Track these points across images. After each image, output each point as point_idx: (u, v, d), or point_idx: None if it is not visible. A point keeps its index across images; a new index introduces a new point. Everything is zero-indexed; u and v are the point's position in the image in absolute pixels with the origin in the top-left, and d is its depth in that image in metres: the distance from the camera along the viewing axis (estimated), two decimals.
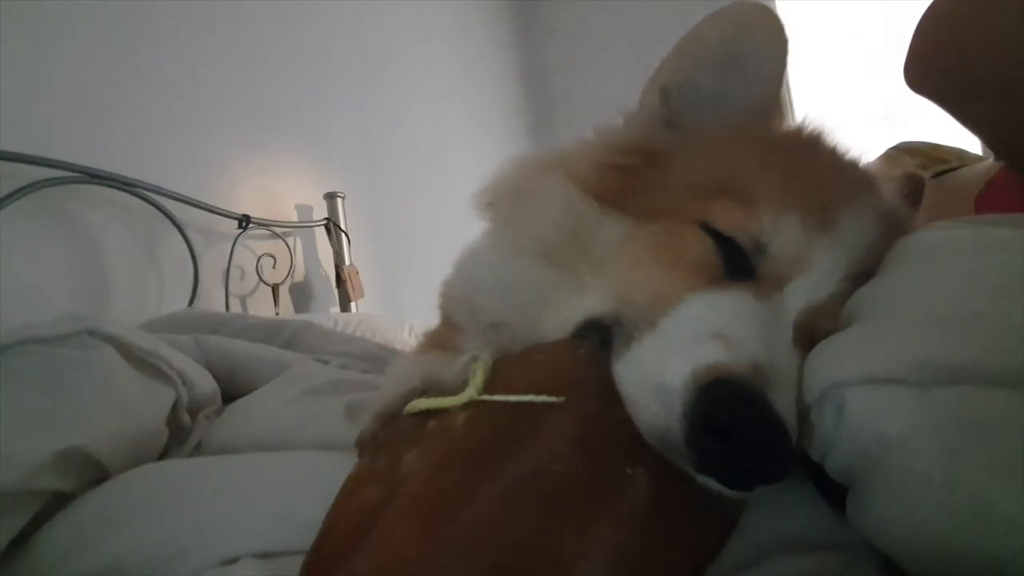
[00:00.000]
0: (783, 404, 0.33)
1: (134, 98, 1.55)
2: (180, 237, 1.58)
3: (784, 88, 0.52)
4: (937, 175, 1.00)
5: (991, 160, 0.90)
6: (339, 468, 0.40)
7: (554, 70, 3.65)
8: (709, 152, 0.49)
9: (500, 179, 0.56)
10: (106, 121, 1.48)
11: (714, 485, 0.33)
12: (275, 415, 0.59)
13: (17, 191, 1.21)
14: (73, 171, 1.32)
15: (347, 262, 2.07)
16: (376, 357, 1.02)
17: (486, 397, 0.36)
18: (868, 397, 0.33)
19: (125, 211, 1.49)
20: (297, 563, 0.36)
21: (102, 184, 1.40)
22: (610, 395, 0.36)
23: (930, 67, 0.70)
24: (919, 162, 1.04)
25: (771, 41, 0.49)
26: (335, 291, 2.09)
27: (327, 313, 1.89)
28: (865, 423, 0.33)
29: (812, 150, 0.50)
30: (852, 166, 0.51)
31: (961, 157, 1.03)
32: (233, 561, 0.36)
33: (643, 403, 0.35)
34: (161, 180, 1.52)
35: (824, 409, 0.36)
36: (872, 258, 0.44)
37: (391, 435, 0.38)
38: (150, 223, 1.54)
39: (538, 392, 0.35)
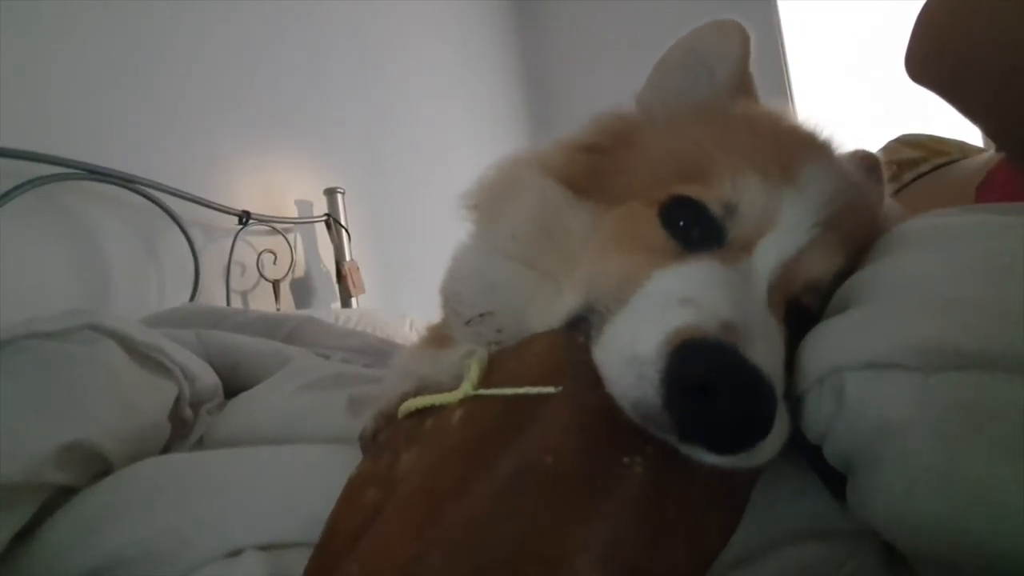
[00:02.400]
0: (759, 357, 0.32)
1: (134, 95, 1.55)
2: (180, 233, 1.58)
3: (748, 76, 0.55)
4: (938, 167, 1.00)
5: (992, 151, 0.90)
6: (341, 461, 0.40)
7: (554, 67, 3.65)
8: (672, 130, 0.50)
9: (483, 181, 0.56)
10: (106, 118, 1.48)
11: (701, 455, 0.32)
12: (277, 408, 0.59)
13: (18, 187, 1.21)
14: (74, 168, 1.32)
15: (347, 258, 2.07)
16: (377, 351, 1.02)
17: (482, 392, 0.36)
18: (868, 382, 0.33)
19: (126, 207, 1.49)
20: (299, 555, 0.36)
21: (103, 181, 1.40)
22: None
23: (931, 57, 0.70)
24: (920, 154, 1.04)
25: (726, 40, 0.54)
26: (336, 287, 2.09)
27: (328, 309, 1.89)
28: (865, 408, 0.33)
29: (770, 119, 0.52)
30: (810, 133, 0.52)
31: (962, 149, 1.03)
32: (236, 553, 0.36)
33: (618, 376, 0.34)
34: (161, 176, 1.52)
35: (823, 393, 0.36)
36: (838, 209, 0.43)
37: (393, 435, 0.38)
38: (150, 219, 1.54)
39: (534, 384, 0.34)
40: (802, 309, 0.41)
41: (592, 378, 0.35)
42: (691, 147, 0.48)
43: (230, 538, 0.37)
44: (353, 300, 2.04)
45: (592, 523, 0.29)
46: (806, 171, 0.45)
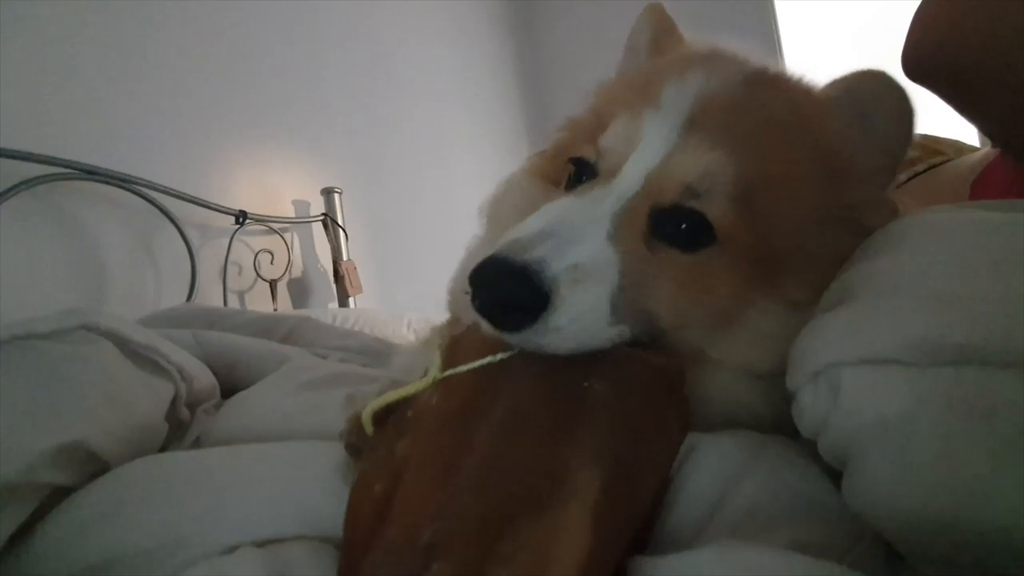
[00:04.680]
0: (541, 258, 0.37)
1: (131, 95, 1.55)
2: (177, 233, 1.58)
3: (663, 37, 0.61)
4: (934, 167, 1.00)
5: (987, 148, 0.90)
6: (337, 457, 0.40)
7: (552, 68, 3.65)
8: (592, 109, 0.56)
9: (492, 193, 0.63)
10: (103, 118, 1.48)
11: (503, 335, 0.38)
12: (275, 407, 0.59)
13: (13, 187, 1.21)
14: (70, 168, 1.32)
15: (345, 257, 2.07)
16: (375, 351, 1.02)
17: (448, 372, 0.40)
18: (864, 377, 0.34)
19: (122, 207, 1.48)
20: (297, 548, 0.36)
21: (99, 181, 1.40)
22: None
23: (928, 55, 0.70)
24: (915, 154, 1.04)
25: (643, 18, 0.61)
26: (333, 286, 2.09)
27: (325, 309, 1.89)
28: (861, 403, 0.33)
29: (663, 61, 0.57)
30: (701, 52, 0.54)
31: (957, 149, 1.03)
32: (232, 550, 0.36)
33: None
34: (158, 176, 1.51)
35: (818, 388, 0.36)
36: (707, 113, 0.45)
37: (380, 435, 0.40)
38: (147, 219, 1.54)
39: (493, 350, 0.39)
40: (686, 211, 0.43)
41: None
42: (591, 116, 0.54)
43: (226, 534, 0.37)
44: (350, 300, 2.04)
45: (577, 435, 0.35)
46: (668, 89, 0.46)
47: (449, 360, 0.41)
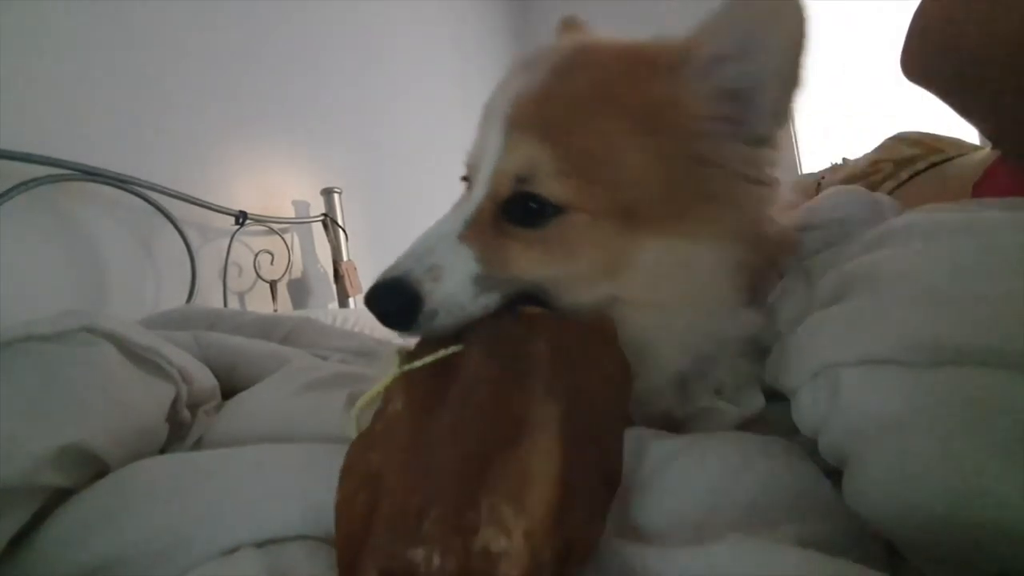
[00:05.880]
0: (410, 265, 0.49)
1: (130, 95, 1.55)
2: (177, 234, 1.58)
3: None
4: (934, 165, 1.00)
5: (988, 149, 0.90)
6: (338, 458, 0.40)
7: None
8: None
9: None
10: (102, 118, 1.48)
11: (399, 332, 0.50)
12: (277, 408, 0.59)
13: (13, 188, 1.21)
14: (69, 169, 1.32)
15: (345, 257, 2.07)
16: (374, 352, 1.02)
17: (406, 368, 0.45)
18: (864, 378, 0.34)
19: (122, 208, 1.48)
20: (299, 548, 0.37)
21: (98, 181, 1.40)
22: (489, 325, 0.49)
23: (927, 57, 0.70)
24: (917, 151, 1.04)
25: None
26: (333, 287, 2.09)
27: (325, 309, 1.89)
28: (861, 404, 0.33)
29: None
30: (530, 54, 0.57)
31: (958, 147, 1.03)
32: (233, 551, 0.36)
33: None
34: (158, 177, 1.51)
35: (817, 388, 0.37)
36: (523, 111, 0.51)
37: (354, 454, 0.42)
38: (147, 220, 1.54)
39: (447, 347, 0.46)
40: (523, 195, 0.49)
41: (484, 325, 0.49)
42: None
43: (228, 535, 0.37)
44: (351, 300, 2.04)
45: (526, 385, 0.40)
46: (494, 97, 0.54)
47: (408, 360, 0.47)
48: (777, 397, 0.46)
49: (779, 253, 0.56)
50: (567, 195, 0.48)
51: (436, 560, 0.31)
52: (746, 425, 0.49)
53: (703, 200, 0.49)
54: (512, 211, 0.50)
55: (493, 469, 0.34)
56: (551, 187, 0.48)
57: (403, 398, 0.43)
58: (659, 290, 0.49)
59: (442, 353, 0.44)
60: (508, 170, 0.50)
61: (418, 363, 0.44)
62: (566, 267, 0.49)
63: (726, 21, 0.49)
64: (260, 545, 0.37)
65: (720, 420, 0.49)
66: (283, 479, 0.41)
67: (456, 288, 0.48)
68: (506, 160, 0.50)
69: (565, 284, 0.50)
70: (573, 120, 0.49)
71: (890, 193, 0.91)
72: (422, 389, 0.43)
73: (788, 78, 0.48)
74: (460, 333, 0.48)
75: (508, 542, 0.31)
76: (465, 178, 0.58)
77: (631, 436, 0.41)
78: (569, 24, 0.72)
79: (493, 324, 0.48)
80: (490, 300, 0.49)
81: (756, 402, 0.52)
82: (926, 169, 0.99)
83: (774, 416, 0.49)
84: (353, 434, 0.42)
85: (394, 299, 0.48)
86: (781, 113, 0.50)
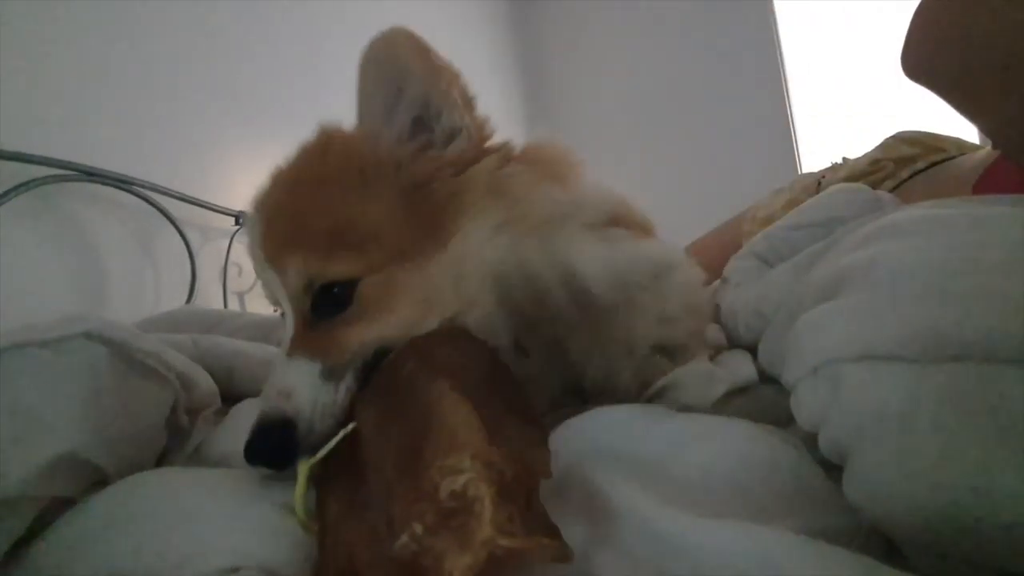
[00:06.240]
0: (270, 400, 0.50)
1: (130, 95, 1.55)
2: (177, 234, 1.58)
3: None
4: (935, 164, 1.00)
5: (988, 148, 0.89)
6: None
7: (551, 67, 3.65)
8: None
9: None
10: (102, 118, 1.48)
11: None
12: None
13: (13, 189, 1.21)
14: (69, 169, 1.32)
15: None
16: None
17: (314, 459, 0.45)
18: (865, 373, 0.34)
19: (121, 209, 1.48)
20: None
21: (98, 182, 1.40)
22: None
23: (927, 55, 0.70)
24: (917, 151, 1.04)
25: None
26: None
27: None
28: (862, 399, 0.33)
29: None
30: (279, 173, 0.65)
31: (959, 146, 1.03)
32: (234, 571, 0.36)
33: None
34: (157, 178, 1.51)
35: (818, 383, 0.37)
36: (266, 230, 0.58)
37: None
38: (147, 220, 1.54)
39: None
40: (325, 288, 0.54)
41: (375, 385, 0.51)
42: None
43: (229, 555, 0.36)
44: None
45: (417, 384, 0.44)
46: (249, 249, 0.62)
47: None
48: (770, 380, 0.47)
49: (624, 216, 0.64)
50: (348, 269, 0.53)
51: (419, 530, 0.31)
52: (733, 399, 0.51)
53: (447, 209, 0.56)
54: (321, 310, 0.54)
55: (427, 448, 0.36)
56: (333, 273, 0.53)
57: (334, 500, 0.41)
58: (475, 292, 0.55)
59: (339, 435, 0.45)
60: (296, 288, 0.54)
61: (321, 452, 0.45)
62: (390, 322, 0.54)
63: (363, 88, 0.59)
64: (263, 569, 0.36)
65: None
66: (282, 507, 0.41)
67: (313, 391, 0.50)
68: (288, 283, 0.55)
69: (400, 336, 0.54)
70: (309, 226, 0.55)
71: (890, 192, 0.91)
72: (342, 481, 0.43)
73: (434, 82, 0.57)
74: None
75: (467, 474, 0.32)
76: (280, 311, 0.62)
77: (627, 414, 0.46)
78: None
79: (362, 392, 0.51)
80: (350, 383, 0.52)
81: (747, 371, 0.53)
82: (926, 168, 0.99)
83: (768, 395, 0.51)
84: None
85: (267, 439, 0.47)
86: (454, 105, 0.57)
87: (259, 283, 1.81)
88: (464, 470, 0.32)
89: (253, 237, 0.59)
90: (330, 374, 0.51)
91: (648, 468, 0.40)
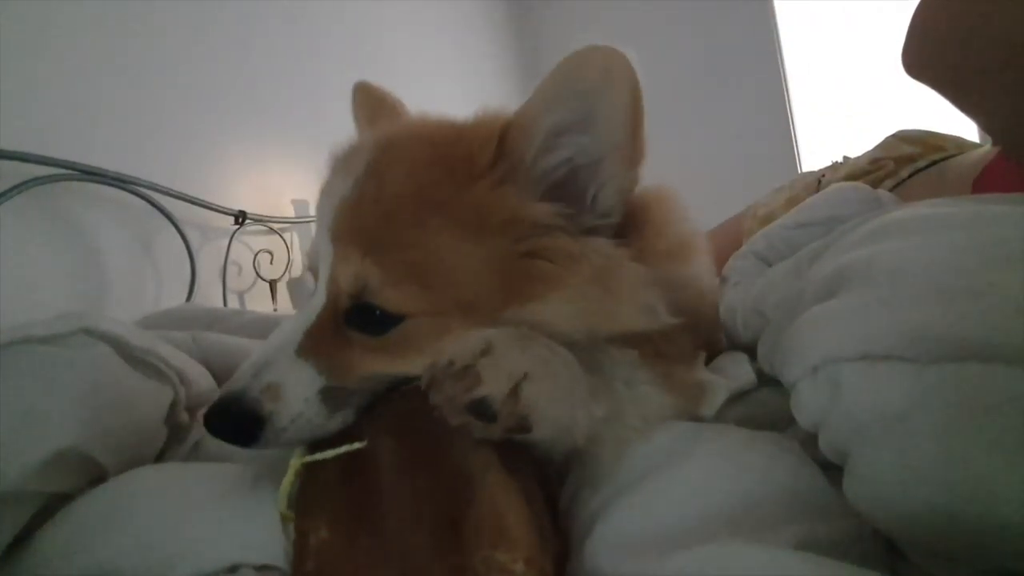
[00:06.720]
0: (247, 382, 0.46)
1: (129, 95, 1.55)
2: (177, 234, 1.58)
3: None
4: (935, 163, 0.99)
5: (988, 146, 0.89)
6: None
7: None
8: None
9: None
10: (101, 118, 1.48)
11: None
12: None
13: (13, 188, 1.21)
14: (69, 168, 1.32)
15: None
16: None
17: (307, 459, 0.44)
18: (865, 373, 0.34)
19: (121, 208, 1.48)
20: None
21: (98, 181, 1.40)
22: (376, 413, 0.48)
23: (928, 53, 0.70)
24: (917, 150, 1.04)
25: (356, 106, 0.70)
26: None
27: None
28: (862, 399, 0.33)
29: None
30: (355, 153, 0.56)
31: (959, 145, 1.03)
32: (234, 569, 0.35)
33: None
34: (157, 177, 1.51)
35: (818, 383, 0.36)
36: (341, 221, 0.50)
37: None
38: (147, 220, 1.54)
39: (345, 441, 0.44)
40: (367, 305, 0.48)
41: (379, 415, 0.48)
42: None
43: (228, 552, 0.36)
44: None
45: (457, 445, 0.40)
46: (320, 203, 0.54)
47: (309, 451, 0.45)
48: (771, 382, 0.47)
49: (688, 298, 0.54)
50: (404, 304, 0.47)
51: None
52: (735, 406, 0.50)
53: (542, 279, 0.48)
54: (353, 319, 0.49)
55: (466, 527, 0.34)
56: (385, 298, 0.47)
57: (324, 523, 0.39)
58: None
59: (344, 449, 0.43)
60: (341, 285, 0.49)
61: (319, 455, 0.43)
62: (415, 367, 0.47)
63: (555, 89, 0.46)
64: (261, 568, 0.36)
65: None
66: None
67: (303, 406, 0.46)
68: (338, 274, 0.49)
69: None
70: (396, 233, 0.48)
71: (891, 191, 0.91)
72: (339, 504, 0.40)
73: (627, 151, 0.47)
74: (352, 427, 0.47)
75: None
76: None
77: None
78: (364, 90, 0.72)
79: (381, 409, 0.47)
80: (347, 416, 0.48)
81: (745, 375, 0.53)
82: (927, 167, 0.99)
83: (768, 398, 0.50)
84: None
85: (231, 420, 0.45)
86: (625, 186, 0.49)
87: (257, 283, 1.79)
88: (516, 573, 0.32)
89: (329, 195, 0.52)
90: (330, 395, 0.47)
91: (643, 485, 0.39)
